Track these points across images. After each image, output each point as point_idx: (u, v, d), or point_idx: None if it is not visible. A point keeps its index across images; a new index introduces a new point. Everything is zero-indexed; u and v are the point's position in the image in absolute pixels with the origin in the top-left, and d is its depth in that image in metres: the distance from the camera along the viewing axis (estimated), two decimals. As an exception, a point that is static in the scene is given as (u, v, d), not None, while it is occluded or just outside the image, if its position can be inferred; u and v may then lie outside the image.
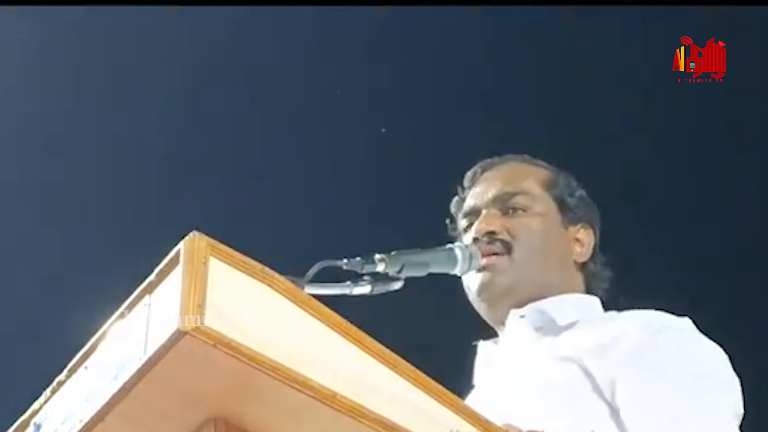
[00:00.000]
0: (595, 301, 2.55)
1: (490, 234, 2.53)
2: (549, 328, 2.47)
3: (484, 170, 2.66)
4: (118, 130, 5.03)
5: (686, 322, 2.38)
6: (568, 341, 2.41)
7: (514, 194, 2.57)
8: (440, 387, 1.77)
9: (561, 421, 2.25)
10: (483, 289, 2.53)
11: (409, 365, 1.75)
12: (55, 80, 4.99)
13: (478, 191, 2.62)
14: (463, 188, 2.68)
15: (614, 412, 2.28)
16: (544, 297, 2.51)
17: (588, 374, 2.31)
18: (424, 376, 1.75)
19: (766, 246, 4.72)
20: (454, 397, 1.77)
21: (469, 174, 2.68)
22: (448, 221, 2.69)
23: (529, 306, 2.50)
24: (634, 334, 2.33)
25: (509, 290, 2.51)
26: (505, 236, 2.53)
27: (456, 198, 2.68)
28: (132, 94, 5.03)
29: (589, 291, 2.57)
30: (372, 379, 1.70)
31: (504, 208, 2.57)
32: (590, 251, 2.60)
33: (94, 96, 5.01)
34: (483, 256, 2.51)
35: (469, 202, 2.63)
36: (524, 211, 2.56)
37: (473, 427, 1.78)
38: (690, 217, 4.34)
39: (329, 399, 1.65)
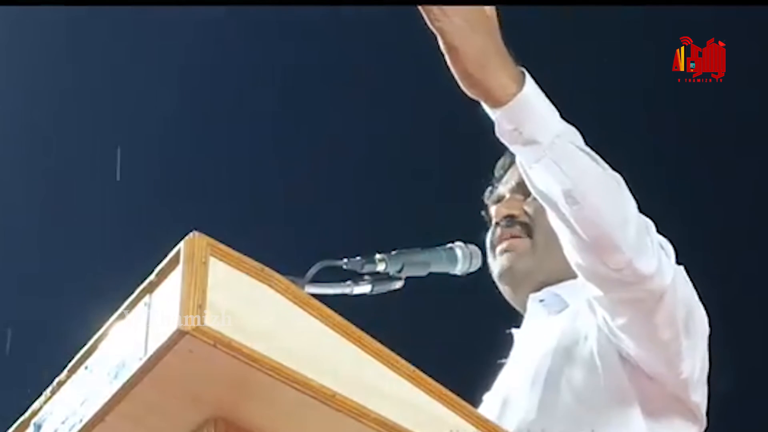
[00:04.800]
0: None
1: (510, 217, 2.55)
2: (563, 311, 2.47)
3: (513, 160, 2.66)
4: (119, 130, 5.03)
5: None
6: (577, 323, 2.41)
7: None
8: (440, 386, 1.77)
9: (559, 412, 2.27)
10: (503, 273, 2.55)
11: (409, 365, 1.75)
12: (56, 79, 4.99)
13: (506, 179, 2.64)
14: (495, 178, 2.69)
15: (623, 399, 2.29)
16: (564, 280, 2.50)
17: (597, 355, 2.32)
18: (424, 375, 1.76)
19: (766, 246, 4.73)
20: (455, 396, 1.77)
21: (499, 163, 2.69)
22: (482, 212, 2.70)
23: (546, 290, 2.51)
24: None
25: (529, 274, 2.53)
26: (524, 219, 2.55)
27: (489, 188, 2.70)
28: (132, 92, 5.03)
29: None
30: (372, 379, 1.70)
31: (526, 192, 2.53)
32: None
33: (95, 95, 5.01)
34: (503, 239, 2.53)
35: (497, 190, 2.65)
36: None
37: (473, 426, 1.77)
38: (689, 216, 4.34)
39: (329, 399, 1.65)
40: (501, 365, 2.56)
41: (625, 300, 2.20)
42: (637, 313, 2.22)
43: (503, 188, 2.63)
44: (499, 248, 2.55)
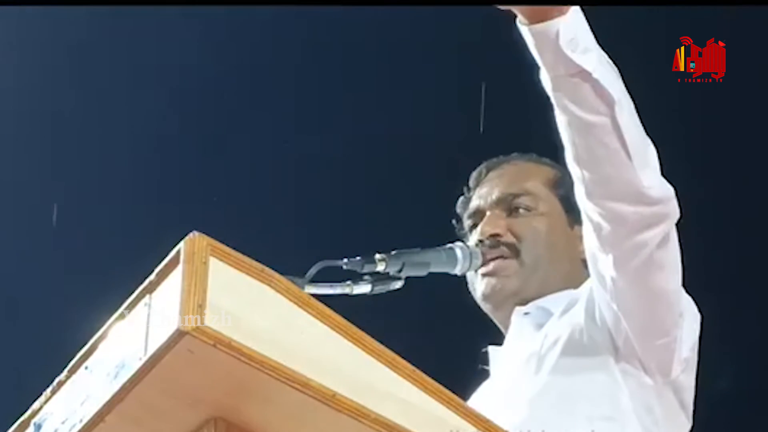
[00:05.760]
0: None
1: (494, 236, 2.52)
2: (548, 321, 2.47)
3: (489, 170, 2.64)
4: (118, 130, 5.03)
5: None
6: (559, 327, 2.42)
7: (517, 195, 2.56)
8: (440, 387, 1.77)
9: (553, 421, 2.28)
10: (489, 294, 2.52)
11: (409, 365, 1.75)
12: (56, 79, 5.00)
13: (483, 192, 2.61)
14: (468, 188, 2.66)
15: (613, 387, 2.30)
16: (548, 294, 2.50)
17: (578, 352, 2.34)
18: (424, 376, 1.75)
19: (766, 248, 4.72)
20: (454, 396, 1.77)
21: (474, 174, 2.67)
22: (454, 221, 2.67)
23: (532, 303, 2.50)
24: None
25: (516, 293, 2.51)
26: (509, 238, 2.52)
27: (462, 198, 2.67)
28: (132, 92, 5.03)
29: None
30: (372, 379, 1.70)
31: (508, 208, 2.55)
32: None
33: (95, 95, 5.01)
34: (488, 260, 2.50)
35: (474, 202, 2.61)
36: (528, 211, 2.54)
37: (473, 426, 1.77)
38: (688, 216, 4.33)
39: (329, 399, 1.65)
40: (484, 371, 2.56)
41: (647, 217, 2.21)
42: (653, 240, 2.21)
43: (482, 202, 2.60)
44: (483, 270, 2.52)
